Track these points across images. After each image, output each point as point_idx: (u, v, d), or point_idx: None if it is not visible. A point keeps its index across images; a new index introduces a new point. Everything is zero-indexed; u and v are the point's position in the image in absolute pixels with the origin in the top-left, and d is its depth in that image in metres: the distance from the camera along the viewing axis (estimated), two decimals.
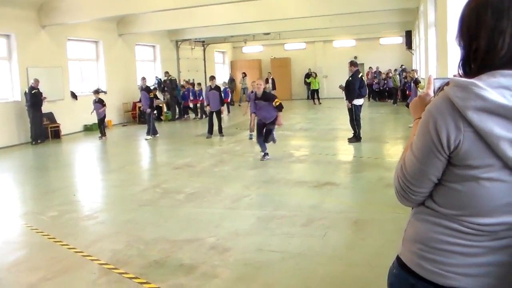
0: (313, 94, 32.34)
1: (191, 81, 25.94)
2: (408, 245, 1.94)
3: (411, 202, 1.89)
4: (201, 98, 24.00)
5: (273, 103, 11.51)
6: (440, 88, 1.76)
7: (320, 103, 30.88)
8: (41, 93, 17.24)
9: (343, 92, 14.95)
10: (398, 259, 2.00)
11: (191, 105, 24.95)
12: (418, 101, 2.05)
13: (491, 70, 1.66)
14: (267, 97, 11.77)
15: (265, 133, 11.96)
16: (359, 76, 14.55)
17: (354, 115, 14.44)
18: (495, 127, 1.60)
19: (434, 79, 2.06)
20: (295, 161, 12.37)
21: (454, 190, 1.75)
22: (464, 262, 1.77)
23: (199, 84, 25.13)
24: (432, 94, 2.02)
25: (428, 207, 1.86)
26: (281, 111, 11.64)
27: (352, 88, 14.28)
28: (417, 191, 1.82)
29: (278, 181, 9.83)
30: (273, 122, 11.78)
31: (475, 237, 1.74)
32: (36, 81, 17.13)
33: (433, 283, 1.82)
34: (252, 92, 16.48)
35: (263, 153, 12.05)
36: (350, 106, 14.36)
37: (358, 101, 14.40)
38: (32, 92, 17.02)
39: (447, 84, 1.71)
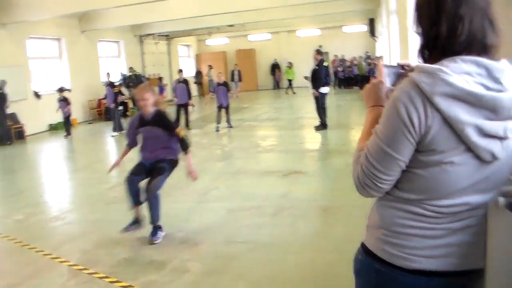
0: (288, 84, 31.91)
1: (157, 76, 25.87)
2: (372, 231, 1.97)
3: (377, 192, 1.86)
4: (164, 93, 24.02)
5: (175, 134, 6.30)
6: (404, 75, 1.77)
7: (287, 93, 30.70)
8: (6, 94, 16.97)
9: (309, 81, 14.97)
10: (363, 245, 2.03)
11: None
12: (371, 89, 2.07)
13: (451, 56, 1.68)
14: (162, 122, 6.31)
15: (152, 175, 6.39)
16: (324, 64, 14.66)
17: (320, 103, 14.56)
18: (460, 113, 1.62)
19: (384, 66, 2.07)
20: (262, 151, 12.39)
21: (416, 176, 1.77)
22: (427, 245, 1.81)
23: (160, 78, 25.07)
24: (385, 81, 2.04)
25: (390, 194, 1.87)
26: (187, 148, 6.43)
27: (319, 77, 14.42)
28: (385, 179, 1.80)
29: (246, 172, 9.86)
30: (171, 162, 6.45)
31: (436, 219, 1.78)
32: (3, 82, 16.91)
33: (398, 267, 1.86)
34: (217, 83, 16.58)
35: (131, 223, 6.36)
36: (318, 94, 14.46)
37: (323, 89, 14.52)
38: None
39: (411, 70, 1.72)
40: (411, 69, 1.74)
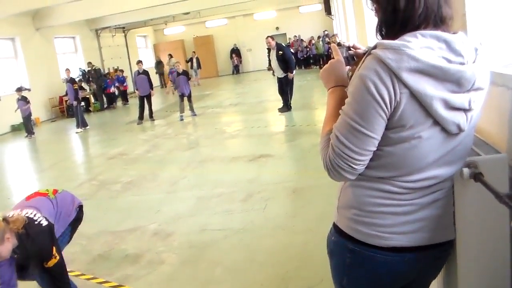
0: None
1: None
2: (343, 212, 1.98)
3: (351, 174, 1.81)
4: (125, 85, 24.26)
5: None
6: (367, 53, 1.74)
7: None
8: None
9: (278, 67, 14.76)
10: (335, 226, 2.04)
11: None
12: (331, 69, 2.05)
13: (409, 31, 1.68)
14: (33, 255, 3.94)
15: None
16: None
17: (290, 84, 14.80)
18: (427, 87, 1.63)
19: (338, 46, 2.09)
20: (228, 137, 12.39)
21: (386, 153, 1.77)
22: (398, 221, 1.84)
23: (122, 70, 25.29)
24: (343, 61, 2.06)
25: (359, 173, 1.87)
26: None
27: (289, 58, 14.61)
28: (360, 159, 1.76)
29: (213, 159, 9.86)
30: None
31: (406, 195, 1.81)
32: None
33: (371, 246, 1.89)
34: (177, 72, 16.56)
35: None
36: (292, 76, 14.71)
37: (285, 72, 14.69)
38: None
39: (374, 47, 1.70)
40: (374, 46, 1.72)
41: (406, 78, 1.61)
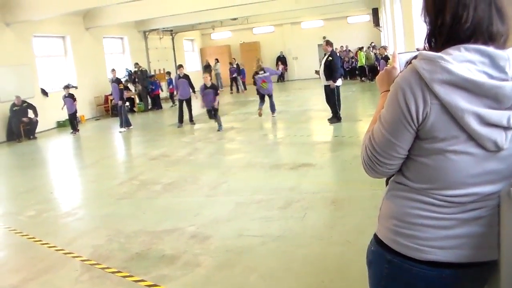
0: (361, 72, 29.95)
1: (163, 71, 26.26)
2: (383, 222, 1.98)
3: (377, 173, 1.92)
4: (170, 87, 24.74)
5: None
6: (408, 62, 1.79)
7: (363, 80, 28.98)
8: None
9: (322, 74, 14.20)
10: (375, 236, 2.04)
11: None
12: (385, 75, 2.10)
13: (456, 44, 1.69)
14: None
15: None
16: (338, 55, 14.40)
17: (336, 95, 14.22)
18: (460, 100, 1.63)
19: (399, 53, 2.11)
20: (270, 144, 12.41)
21: (422, 164, 1.79)
22: (437, 235, 1.81)
23: (169, 73, 25.65)
24: (398, 68, 2.07)
25: (399, 183, 1.89)
26: None
27: (335, 67, 14.04)
28: (384, 162, 1.84)
29: (254, 166, 9.87)
30: None
31: (446, 209, 1.79)
32: (18, 98, 17.65)
33: (409, 258, 1.86)
34: (204, 85, 15.02)
35: None
36: (334, 86, 14.05)
37: (338, 81, 14.26)
38: (14, 109, 17.71)
39: (415, 57, 1.74)
40: (415, 56, 1.76)
41: (437, 89, 1.64)
